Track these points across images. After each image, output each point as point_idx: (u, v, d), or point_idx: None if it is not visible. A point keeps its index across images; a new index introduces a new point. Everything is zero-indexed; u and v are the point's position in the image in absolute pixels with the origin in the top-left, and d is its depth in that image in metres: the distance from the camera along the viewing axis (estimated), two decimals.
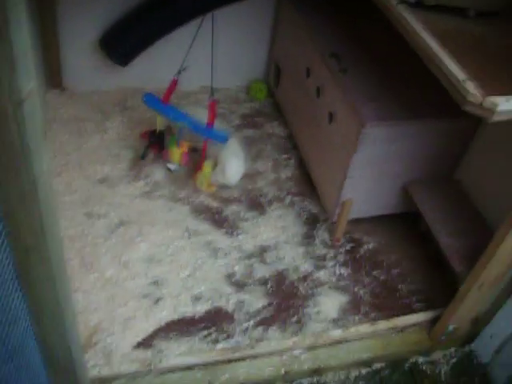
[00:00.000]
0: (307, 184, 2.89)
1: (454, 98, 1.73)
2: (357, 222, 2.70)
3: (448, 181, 2.59)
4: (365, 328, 2.29)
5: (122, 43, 2.88)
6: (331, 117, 2.47)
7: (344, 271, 2.52)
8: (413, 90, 2.40)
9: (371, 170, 2.38)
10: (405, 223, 2.74)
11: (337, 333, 2.26)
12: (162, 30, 2.88)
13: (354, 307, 2.39)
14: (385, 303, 2.42)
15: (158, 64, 3.18)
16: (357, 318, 2.35)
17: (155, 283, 2.34)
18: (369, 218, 2.72)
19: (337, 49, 2.56)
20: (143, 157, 2.82)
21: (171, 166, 2.79)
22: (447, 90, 1.76)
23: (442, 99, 2.02)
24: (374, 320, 2.34)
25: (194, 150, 2.79)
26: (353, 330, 2.28)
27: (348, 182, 2.39)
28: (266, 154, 3.03)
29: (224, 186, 2.76)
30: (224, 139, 2.61)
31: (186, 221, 2.61)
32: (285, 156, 3.04)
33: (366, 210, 2.60)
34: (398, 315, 2.36)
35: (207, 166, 2.68)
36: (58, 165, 2.73)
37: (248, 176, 2.85)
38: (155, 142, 2.80)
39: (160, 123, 2.73)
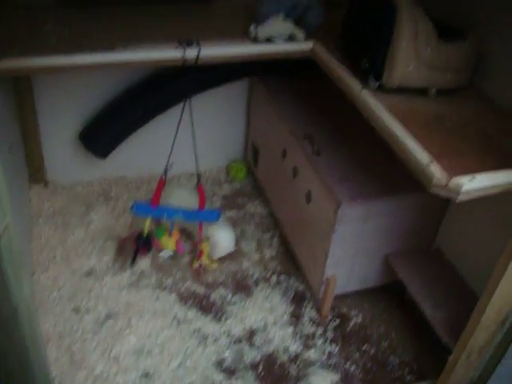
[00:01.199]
0: (292, 261, 2.93)
1: (419, 180, 1.81)
2: (343, 296, 2.74)
3: (428, 250, 2.65)
4: None
5: (101, 137, 2.98)
6: (309, 196, 2.55)
7: (333, 348, 2.53)
8: (385, 166, 2.50)
9: (351, 246, 2.44)
10: (390, 293, 2.78)
11: None
12: (139, 121, 2.99)
13: None
14: (377, 378, 2.43)
15: (139, 152, 3.29)
16: None
17: (146, 375, 2.33)
18: (354, 294, 2.76)
19: (309, 129, 2.66)
20: (132, 264, 2.75)
21: (166, 254, 2.84)
22: (412, 173, 1.84)
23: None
24: None
25: (183, 233, 2.87)
26: None
27: (330, 259, 2.45)
28: (250, 234, 3.09)
29: (210, 270, 2.81)
30: (217, 216, 2.68)
31: (173, 309, 2.63)
32: (268, 235, 3.10)
33: (351, 285, 2.64)
34: None
35: (206, 246, 2.75)
36: (45, 260, 2.76)
37: (233, 257, 2.90)
38: (144, 246, 2.76)
39: (148, 226, 2.72)
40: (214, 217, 2.68)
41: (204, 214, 2.67)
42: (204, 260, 2.77)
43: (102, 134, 2.98)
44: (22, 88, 2.85)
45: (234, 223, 3.12)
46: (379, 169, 2.48)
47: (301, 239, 2.73)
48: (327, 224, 2.37)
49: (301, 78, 3.09)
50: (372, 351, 2.54)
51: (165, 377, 2.33)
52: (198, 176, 2.64)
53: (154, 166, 3.23)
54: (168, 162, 2.61)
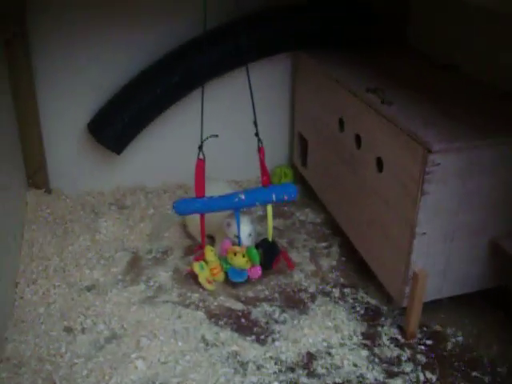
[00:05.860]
0: (358, 273, 2.21)
1: None
2: (433, 310, 1.98)
3: None
4: None
5: (112, 125, 2.41)
6: (380, 163, 1.87)
7: (430, 376, 1.74)
8: (475, 114, 1.82)
9: (447, 221, 1.72)
10: (492, 301, 2.02)
11: None
12: (158, 103, 2.42)
13: None
14: None
15: (159, 159, 2.72)
16: None
17: None
18: (447, 302, 2.00)
19: (372, 84, 2.03)
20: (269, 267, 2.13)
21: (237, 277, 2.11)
22: None
23: None
24: None
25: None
26: None
27: (418, 242, 1.72)
28: (301, 243, 2.39)
29: (246, 286, 2.10)
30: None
31: (200, 329, 1.91)
32: (324, 244, 2.39)
33: (446, 288, 1.88)
34: None
35: (209, 251, 2.08)
36: (33, 271, 2.12)
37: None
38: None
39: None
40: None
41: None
42: (200, 276, 2.07)
43: (114, 121, 2.40)
44: (20, 75, 2.36)
45: (279, 233, 2.44)
46: (470, 116, 1.80)
47: (372, 232, 2.01)
48: (412, 187, 1.67)
49: (351, 50, 2.51)
50: (487, 379, 1.73)
51: None
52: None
53: (176, 174, 2.68)
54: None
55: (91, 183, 2.67)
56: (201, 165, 2.00)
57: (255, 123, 2.01)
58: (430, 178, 1.62)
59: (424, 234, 1.72)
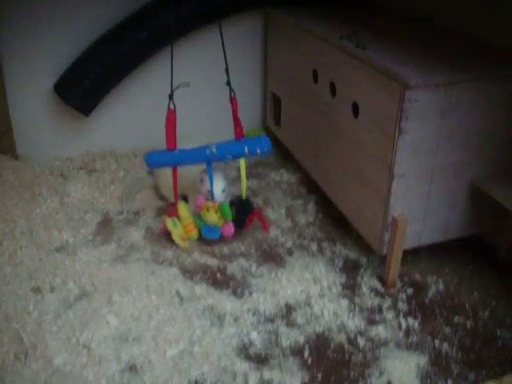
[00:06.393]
0: (335, 228, 2.16)
1: None
2: (412, 260, 1.95)
3: None
4: None
5: (79, 85, 2.31)
6: (356, 108, 1.82)
7: (412, 323, 1.71)
8: (449, 56, 1.77)
9: (425, 162, 1.68)
10: (476, 251, 2.02)
11: None
12: (125, 60, 2.34)
13: (440, 368, 1.55)
14: (483, 357, 1.59)
15: (129, 123, 2.63)
16: (450, 382, 1.50)
17: (132, 368, 1.52)
18: (427, 253, 1.97)
19: (345, 32, 1.98)
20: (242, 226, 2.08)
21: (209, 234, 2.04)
22: None
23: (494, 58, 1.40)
24: (477, 382, 1.49)
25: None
26: None
27: (396, 184, 1.67)
28: (276, 201, 2.34)
29: (221, 243, 2.04)
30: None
31: (175, 284, 1.85)
32: (300, 202, 2.34)
33: (426, 235, 1.84)
34: (506, 371, 1.52)
35: (182, 207, 2.02)
36: None
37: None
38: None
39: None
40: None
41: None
42: (174, 233, 2.00)
43: (81, 80, 2.31)
44: None
45: (253, 194, 2.38)
46: (445, 57, 1.76)
47: (349, 185, 1.96)
48: (390, 125, 1.62)
49: (320, 8, 2.45)
50: (469, 324, 1.70)
51: (160, 369, 1.52)
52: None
53: (147, 137, 2.60)
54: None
55: (59, 149, 2.57)
56: (171, 115, 1.92)
57: (227, 71, 1.95)
58: (407, 116, 1.58)
59: (402, 175, 1.67)
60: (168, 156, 1.94)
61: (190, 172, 2.07)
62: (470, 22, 2.03)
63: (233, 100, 1.98)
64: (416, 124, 1.60)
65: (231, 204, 2.02)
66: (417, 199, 1.74)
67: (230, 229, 2.00)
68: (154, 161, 1.95)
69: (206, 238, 2.02)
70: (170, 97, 1.91)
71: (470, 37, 1.98)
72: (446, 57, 1.76)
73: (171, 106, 1.91)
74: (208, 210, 1.98)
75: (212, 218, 1.98)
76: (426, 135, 1.63)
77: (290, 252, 2.03)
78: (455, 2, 2.09)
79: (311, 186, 2.39)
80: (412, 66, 1.65)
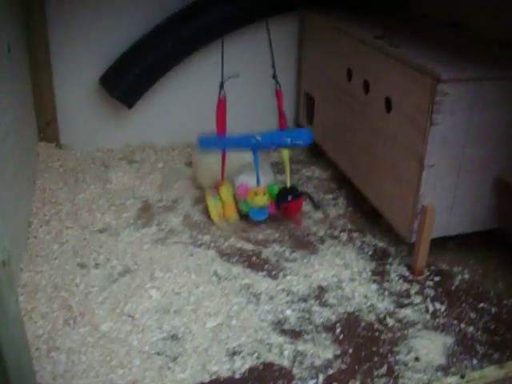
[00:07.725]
0: (365, 220, 2.25)
1: None
2: (439, 251, 2.03)
3: None
4: (492, 371, 1.51)
5: (124, 78, 2.44)
6: (389, 103, 1.91)
7: (439, 307, 1.78)
8: (479, 56, 1.86)
9: (455, 154, 1.76)
10: (499, 244, 2.08)
11: (453, 381, 1.48)
12: (168, 57, 2.46)
13: (465, 349, 1.62)
14: (508, 340, 1.66)
15: (169, 117, 2.75)
16: (475, 361, 1.57)
17: (173, 337, 1.62)
18: (453, 244, 2.05)
19: (380, 33, 2.08)
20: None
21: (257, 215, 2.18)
22: None
23: None
24: (501, 361, 1.56)
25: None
26: (476, 375, 1.49)
27: (426, 174, 1.76)
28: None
29: (256, 227, 2.14)
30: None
31: (212, 265, 1.95)
32: (331, 196, 2.43)
33: (453, 225, 1.92)
34: None
35: (225, 191, 2.15)
36: (46, 214, 2.15)
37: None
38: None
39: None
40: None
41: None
42: (212, 210, 2.14)
43: (126, 74, 2.44)
44: (35, 29, 2.40)
45: None
46: (476, 56, 1.85)
47: (380, 177, 2.05)
48: (421, 119, 1.72)
49: (354, 11, 2.57)
50: (494, 310, 1.78)
51: (200, 339, 1.62)
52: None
53: (185, 133, 2.71)
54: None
55: (100, 140, 2.70)
56: (222, 103, 2.04)
57: (273, 65, 2.05)
58: (439, 108, 1.67)
59: (432, 166, 1.76)
60: (218, 140, 2.06)
61: (235, 161, 2.20)
62: (497, 26, 2.12)
63: (278, 92, 2.09)
64: (446, 116, 1.69)
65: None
66: (445, 190, 1.82)
67: (273, 207, 2.14)
68: (205, 142, 2.06)
69: (254, 219, 2.14)
70: (221, 86, 2.02)
71: (497, 40, 2.07)
72: (475, 56, 1.85)
73: (222, 95, 2.03)
74: (256, 194, 2.08)
75: (261, 200, 2.10)
76: (456, 128, 1.72)
77: (321, 240, 2.12)
78: (483, 8, 2.17)
79: (342, 182, 2.48)
80: (443, 63, 1.75)
